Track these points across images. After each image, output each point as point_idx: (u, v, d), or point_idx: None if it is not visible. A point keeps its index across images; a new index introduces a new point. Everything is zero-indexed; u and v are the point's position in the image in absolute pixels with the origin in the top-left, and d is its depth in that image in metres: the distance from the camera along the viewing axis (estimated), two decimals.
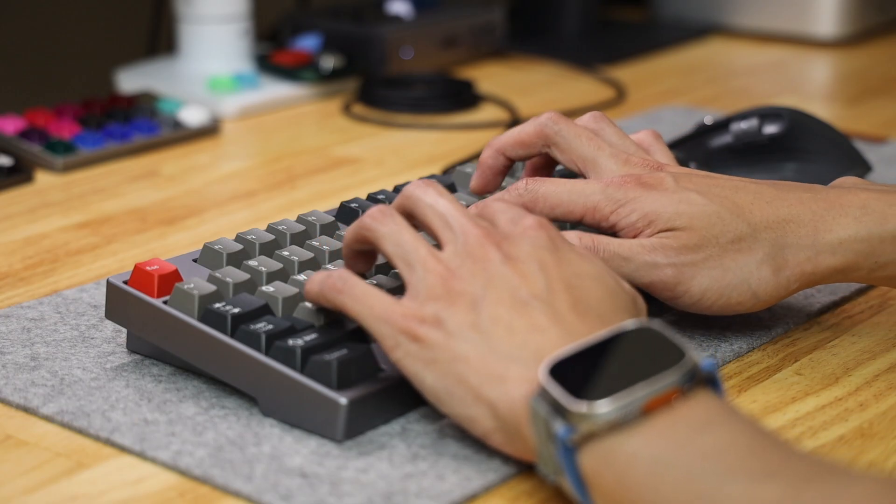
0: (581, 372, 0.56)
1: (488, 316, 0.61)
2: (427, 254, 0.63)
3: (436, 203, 0.65)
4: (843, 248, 0.72)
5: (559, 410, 0.55)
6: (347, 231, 0.68)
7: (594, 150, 0.74)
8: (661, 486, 0.53)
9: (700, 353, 0.56)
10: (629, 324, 0.58)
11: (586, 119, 0.77)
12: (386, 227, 0.65)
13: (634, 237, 0.71)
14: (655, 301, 0.73)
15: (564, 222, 0.74)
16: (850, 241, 0.72)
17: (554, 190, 0.72)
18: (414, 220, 0.66)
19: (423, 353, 0.61)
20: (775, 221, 0.72)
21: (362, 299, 0.63)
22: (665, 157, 0.78)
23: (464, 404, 0.61)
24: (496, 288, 0.62)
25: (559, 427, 0.55)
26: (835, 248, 0.72)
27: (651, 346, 0.57)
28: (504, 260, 0.62)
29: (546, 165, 0.79)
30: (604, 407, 0.54)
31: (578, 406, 0.55)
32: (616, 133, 0.77)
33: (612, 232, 0.72)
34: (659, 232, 0.71)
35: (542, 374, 0.56)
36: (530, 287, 0.62)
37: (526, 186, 0.73)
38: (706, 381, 0.56)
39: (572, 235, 0.71)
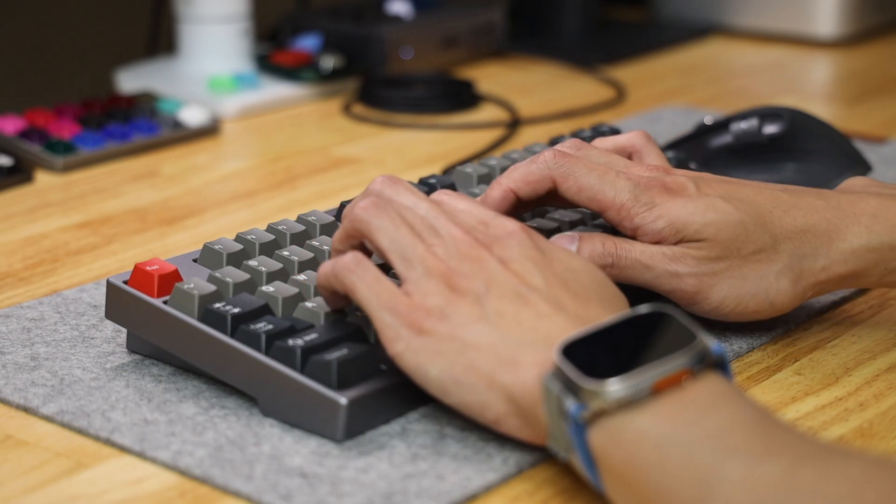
0: (594, 353, 0.57)
1: (494, 310, 0.62)
2: (425, 251, 0.64)
3: (416, 206, 0.65)
4: (854, 257, 0.72)
5: (571, 388, 0.56)
6: (339, 228, 0.67)
7: (604, 156, 0.74)
8: (666, 464, 0.54)
9: (710, 337, 0.57)
10: (642, 308, 0.59)
11: (567, 147, 0.75)
12: (380, 220, 0.65)
13: (656, 244, 0.72)
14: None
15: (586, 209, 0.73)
16: (862, 251, 0.72)
17: (586, 172, 0.72)
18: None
19: (428, 345, 0.62)
20: (794, 231, 0.72)
21: (373, 285, 0.63)
22: (657, 158, 0.77)
23: (475, 391, 0.61)
24: (497, 285, 0.62)
25: (571, 404, 0.56)
26: (847, 257, 0.72)
27: (663, 329, 0.58)
28: (498, 262, 0.63)
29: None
30: (614, 385, 0.55)
31: (590, 384, 0.56)
32: (600, 153, 0.75)
33: (633, 233, 0.72)
34: (683, 242, 0.71)
35: (555, 354, 0.57)
36: (528, 282, 0.62)
37: (555, 160, 0.72)
38: (715, 364, 0.57)
39: (596, 239, 0.71)
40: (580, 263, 0.65)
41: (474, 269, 0.63)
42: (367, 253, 0.67)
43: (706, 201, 0.71)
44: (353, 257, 0.64)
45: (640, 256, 0.72)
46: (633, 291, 0.73)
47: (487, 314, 0.62)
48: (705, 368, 0.57)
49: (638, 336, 0.58)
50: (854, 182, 0.76)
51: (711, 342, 0.57)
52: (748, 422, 0.55)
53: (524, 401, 0.60)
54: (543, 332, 0.61)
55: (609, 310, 0.62)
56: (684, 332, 0.57)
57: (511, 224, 0.65)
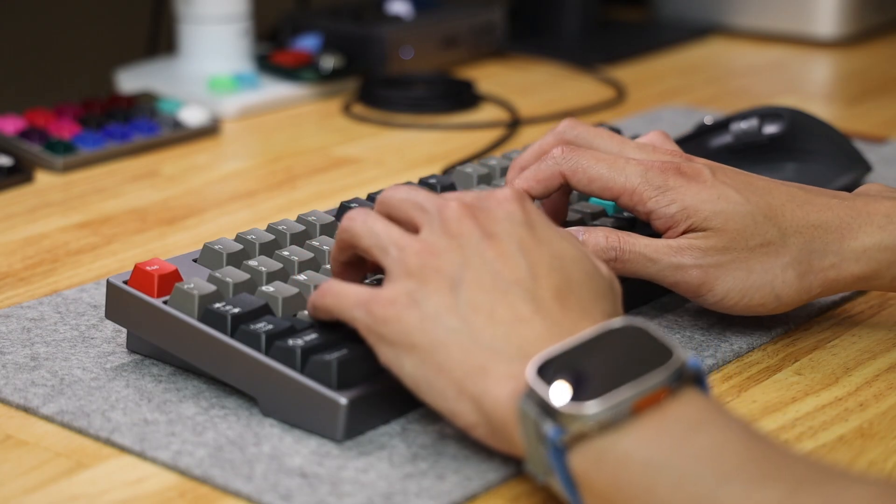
0: (568, 371, 0.56)
1: (468, 301, 0.60)
2: (399, 235, 0.63)
3: (409, 196, 0.65)
4: (866, 256, 0.72)
5: (548, 411, 0.55)
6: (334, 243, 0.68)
7: (618, 145, 0.75)
8: (656, 488, 0.53)
9: (686, 351, 0.56)
10: (615, 322, 0.58)
11: (563, 127, 0.77)
12: (358, 222, 0.65)
13: (668, 228, 0.71)
14: (638, 291, 0.74)
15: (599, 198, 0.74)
16: (874, 250, 0.72)
17: (594, 163, 0.72)
18: (393, 222, 0.65)
19: (400, 336, 0.60)
20: (805, 226, 0.72)
21: (340, 293, 0.64)
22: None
23: (445, 397, 0.60)
24: (475, 269, 0.61)
25: (549, 428, 0.55)
26: (859, 256, 0.72)
27: (638, 344, 0.57)
28: (483, 237, 0.62)
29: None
30: (593, 408, 0.54)
31: (568, 407, 0.54)
32: (610, 142, 0.76)
33: (646, 218, 0.72)
34: (691, 229, 0.71)
35: (529, 375, 0.56)
36: (511, 271, 0.61)
37: (563, 155, 0.73)
38: (693, 379, 0.56)
39: (599, 233, 0.71)
40: (571, 249, 0.63)
41: (452, 245, 0.62)
42: (367, 263, 0.67)
43: (719, 190, 0.71)
44: (323, 284, 0.65)
45: (644, 250, 0.71)
46: (632, 289, 0.74)
47: (460, 305, 0.60)
48: (684, 384, 0.55)
49: (613, 351, 0.57)
50: (869, 187, 0.76)
51: (687, 356, 0.56)
52: (739, 442, 0.54)
53: (495, 417, 0.58)
54: (517, 340, 0.59)
55: (591, 310, 0.61)
56: (660, 348, 0.56)
57: (504, 192, 0.64)
